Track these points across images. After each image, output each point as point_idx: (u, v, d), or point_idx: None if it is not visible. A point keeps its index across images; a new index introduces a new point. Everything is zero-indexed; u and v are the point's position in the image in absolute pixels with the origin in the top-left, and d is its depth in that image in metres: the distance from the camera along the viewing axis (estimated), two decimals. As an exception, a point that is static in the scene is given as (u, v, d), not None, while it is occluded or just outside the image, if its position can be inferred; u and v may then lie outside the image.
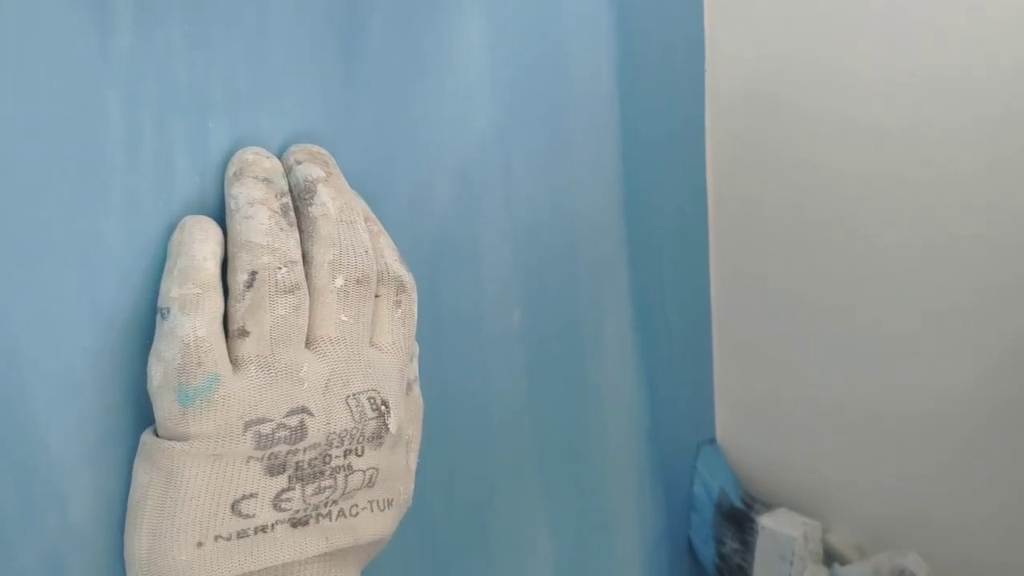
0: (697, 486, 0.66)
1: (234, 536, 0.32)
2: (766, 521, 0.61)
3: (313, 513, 0.34)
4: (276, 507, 0.33)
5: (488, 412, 0.49)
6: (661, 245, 0.60)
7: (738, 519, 0.63)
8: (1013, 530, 0.55)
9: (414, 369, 0.41)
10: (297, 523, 0.34)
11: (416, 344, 0.41)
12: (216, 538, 0.32)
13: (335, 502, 0.35)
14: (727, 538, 0.64)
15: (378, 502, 0.36)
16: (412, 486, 0.40)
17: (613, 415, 0.58)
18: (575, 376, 0.55)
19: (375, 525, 0.36)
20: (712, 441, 0.68)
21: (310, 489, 0.34)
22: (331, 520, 0.35)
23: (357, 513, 0.35)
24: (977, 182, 0.50)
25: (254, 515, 0.33)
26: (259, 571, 0.33)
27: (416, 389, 0.41)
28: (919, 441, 0.58)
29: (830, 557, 0.62)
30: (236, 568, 0.32)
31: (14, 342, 0.30)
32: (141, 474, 0.32)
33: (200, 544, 0.32)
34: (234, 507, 0.32)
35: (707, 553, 0.66)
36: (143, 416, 0.33)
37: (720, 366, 0.68)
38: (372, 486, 0.36)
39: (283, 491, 0.33)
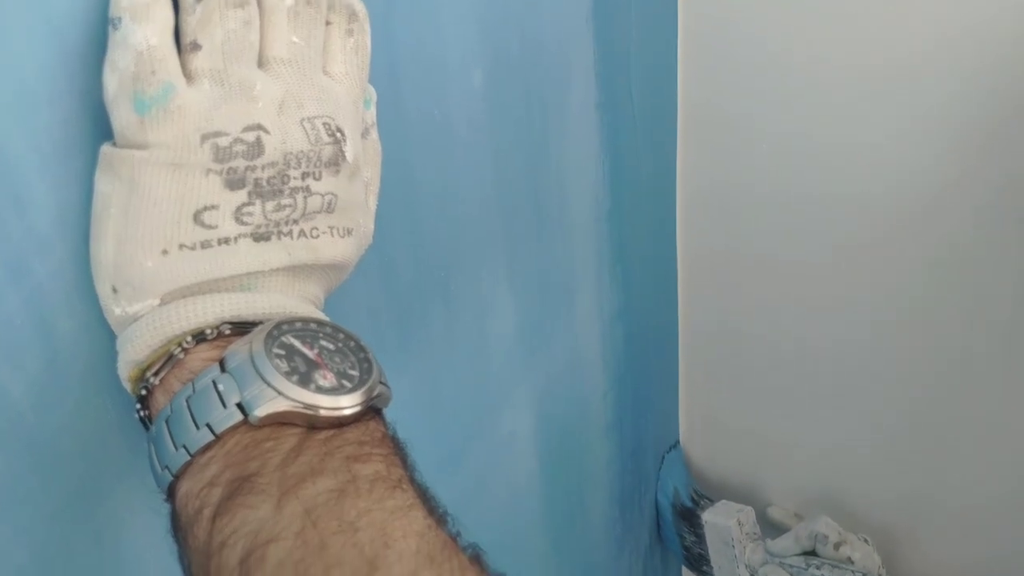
0: (660, 495, 0.76)
1: (198, 246, 0.33)
2: (707, 516, 0.73)
3: (275, 230, 0.35)
4: (238, 220, 0.34)
5: (450, 165, 0.49)
6: (629, 23, 0.59)
7: (688, 516, 0.75)
8: (906, 462, 0.70)
9: (372, 114, 0.41)
10: (259, 237, 0.35)
11: (373, 89, 0.41)
12: (180, 247, 0.33)
13: (295, 222, 0.36)
14: (685, 533, 0.76)
15: (338, 229, 0.37)
16: (372, 225, 0.41)
17: (575, 191, 0.59)
18: (538, 149, 0.55)
19: (335, 248, 0.37)
20: (675, 445, 0.78)
21: (270, 206, 0.35)
22: (292, 238, 0.36)
23: (318, 235, 0.37)
24: None
25: (216, 226, 0.34)
26: (225, 279, 0.34)
27: (374, 133, 0.42)
28: (842, 423, 0.72)
29: (773, 528, 0.75)
30: (202, 275, 0.33)
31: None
32: (103, 184, 0.33)
33: (165, 252, 0.33)
34: (196, 217, 0.33)
35: (675, 547, 0.78)
36: (100, 129, 0.33)
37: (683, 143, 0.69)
38: (331, 212, 0.37)
39: (243, 205, 0.34)
